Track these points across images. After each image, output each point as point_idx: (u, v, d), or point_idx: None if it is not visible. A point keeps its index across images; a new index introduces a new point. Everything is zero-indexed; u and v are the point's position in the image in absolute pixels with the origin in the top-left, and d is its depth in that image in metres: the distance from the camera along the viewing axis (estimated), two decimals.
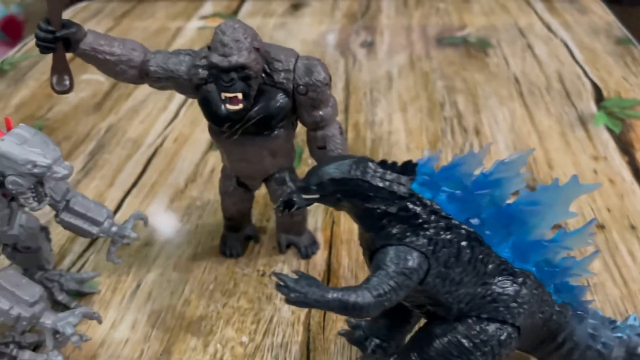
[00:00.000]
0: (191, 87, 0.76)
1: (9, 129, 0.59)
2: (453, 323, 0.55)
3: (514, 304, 0.54)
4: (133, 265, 0.92)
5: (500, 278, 0.54)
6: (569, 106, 1.28)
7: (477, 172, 0.50)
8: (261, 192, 0.90)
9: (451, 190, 0.50)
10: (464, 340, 0.55)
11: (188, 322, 0.81)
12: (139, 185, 1.09)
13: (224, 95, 0.70)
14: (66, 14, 1.93)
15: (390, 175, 0.50)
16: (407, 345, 0.59)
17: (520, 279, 0.55)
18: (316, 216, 0.99)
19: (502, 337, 0.55)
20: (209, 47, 0.71)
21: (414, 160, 0.51)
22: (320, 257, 0.91)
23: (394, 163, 0.52)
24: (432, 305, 0.55)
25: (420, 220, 0.50)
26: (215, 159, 1.15)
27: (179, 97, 1.38)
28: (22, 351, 0.74)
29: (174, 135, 1.24)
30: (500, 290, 0.54)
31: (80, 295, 0.86)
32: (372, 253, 0.52)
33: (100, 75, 1.51)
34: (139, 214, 0.76)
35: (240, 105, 0.71)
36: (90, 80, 1.49)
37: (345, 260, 0.90)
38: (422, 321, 0.66)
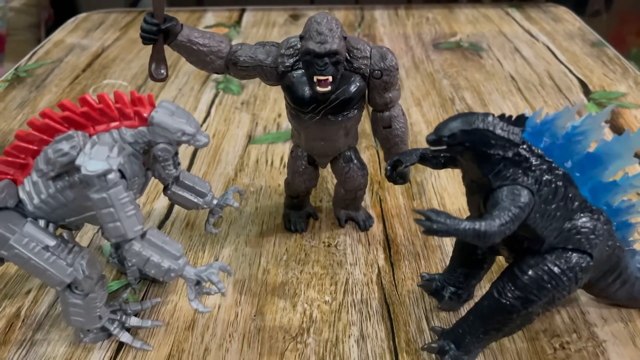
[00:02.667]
0: (276, 74, 0.85)
1: (152, 104, 0.67)
2: (544, 254, 0.67)
3: (592, 236, 0.67)
4: (206, 243, 0.99)
5: (581, 214, 0.66)
6: (563, 98, 1.44)
7: (569, 124, 0.63)
8: None
9: (551, 139, 0.62)
10: (554, 268, 0.67)
11: (272, 287, 0.90)
12: None
13: (316, 78, 0.80)
14: (69, 25, 1.98)
15: (506, 127, 0.62)
16: (501, 277, 0.70)
17: (596, 216, 0.67)
18: (364, 196, 1.09)
19: (584, 264, 0.67)
20: (301, 37, 0.81)
21: (525, 113, 0.63)
22: (376, 229, 1.01)
23: (510, 116, 0.63)
24: (529, 240, 0.66)
25: (529, 164, 0.62)
26: (257, 151, 1.24)
27: (206, 97, 1.46)
28: (129, 317, 0.81)
29: (210, 132, 1.32)
30: (581, 224, 0.66)
31: None
32: (488, 194, 0.63)
33: (122, 80, 1.58)
34: (236, 187, 0.84)
35: (329, 87, 0.81)
36: (113, 84, 1.55)
37: (400, 230, 1.01)
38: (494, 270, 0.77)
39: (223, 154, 1.24)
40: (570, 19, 1.98)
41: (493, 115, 0.62)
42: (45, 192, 0.68)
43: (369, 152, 1.23)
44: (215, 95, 1.48)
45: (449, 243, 0.97)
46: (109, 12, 2.08)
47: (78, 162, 0.61)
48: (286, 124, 1.34)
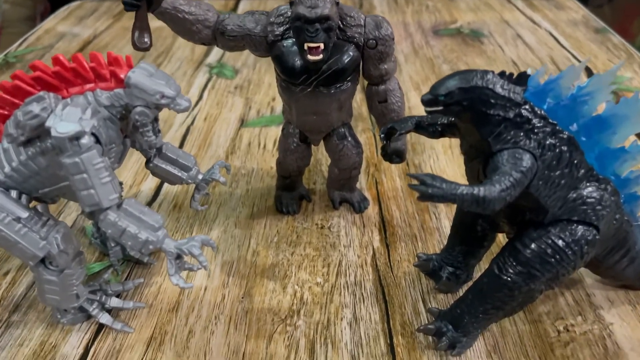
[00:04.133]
0: (266, 44, 0.81)
1: (130, 65, 0.63)
2: (547, 227, 0.63)
3: (599, 207, 0.62)
4: (194, 225, 0.95)
5: (587, 183, 0.62)
6: None
7: (574, 84, 0.58)
8: None
9: (555, 100, 0.58)
10: (558, 241, 0.62)
11: (261, 269, 0.86)
12: None
13: (307, 45, 0.76)
14: (61, 13, 1.94)
15: (507, 85, 0.58)
16: (502, 252, 0.66)
17: (603, 185, 0.63)
18: (359, 178, 1.05)
19: (589, 237, 0.63)
20: (291, 3, 0.77)
21: (527, 72, 0.59)
22: (372, 211, 0.97)
23: (511, 74, 0.59)
24: (531, 211, 0.62)
25: (531, 125, 0.57)
26: (250, 134, 1.20)
27: (199, 81, 1.42)
28: (110, 298, 0.77)
29: (202, 115, 1.28)
30: (587, 194, 0.62)
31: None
32: (487, 159, 0.58)
33: None
34: (223, 162, 0.80)
35: (321, 56, 0.77)
36: None
37: (396, 212, 0.97)
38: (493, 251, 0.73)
39: (214, 137, 1.20)
40: (573, 7, 1.93)
41: (493, 72, 0.58)
42: (17, 160, 0.63)
43: (366, 135, 1.19)
44: (208, 80, 1.44)
45: (447, 225, 0.93)
46: (102, 0, 2.04)
47: (48, 123, 0.57)
48: (280, 108, 1.30)
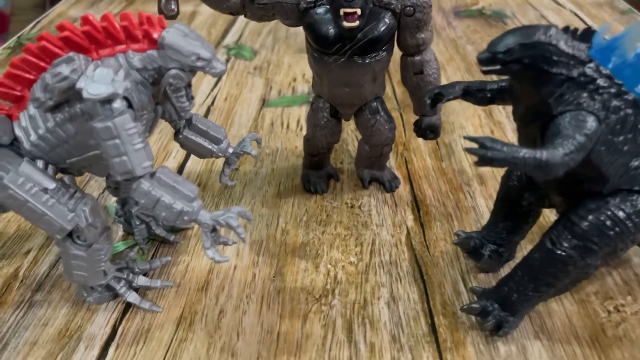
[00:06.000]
0: (297, 12, 0.78)
1: (162, 26, 0.60)
2: (606, 197, 0.59)
3: None
4: (219, 204, 0.92)
5: None
6: None
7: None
8: None
9: (620, 59, 0.54)
10: (618, 212, 0.58)
11: (292, 248, 0.82)
12: None
13: (342, 11, 0.72)
14: None
15: (572, 42, 0.54)
16: (554, 226, 0.62)
17: None
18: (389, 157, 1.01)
19: None
20: None
21: (592, 28, 0.55)
22: (403, 190, 0.94)
23: (575, 29, 0.55)
24: (589, 181, 0.58)
25: (595, 86, 0.53)
26: (272, 114, 1.16)
27: None
28: (137, 276, 0.74)
29: (222, 95, 1.24)
30: None
31: (175, 230, 0.85)
32: (547, 122, 0.55)
33: None
34: (254, 135, 0.77)
35: (357, 22, 0.73)
36: None
37: (429, 192, 0.93)
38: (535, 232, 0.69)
39: (236, 116, 1.16)
40: None
41: (556, 27, 0.54)
42: (44, 127, 0.60)
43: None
44: (227, 61, 1.40)
45: (483, 204, 0.90)
46: None
47: (79, 85, 0.54)
48: (302, 88, 1.26)
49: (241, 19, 1.67)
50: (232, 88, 1.27)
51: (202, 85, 1.28)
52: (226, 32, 1.57)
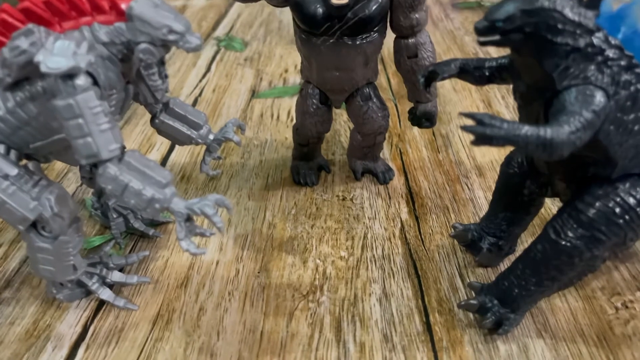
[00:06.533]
0: None
1: None
2: (614, 183, 0.54)
3: None
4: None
5: None
6: None
7: None
8: None
9: (630, 29, 0.49)
10: (628, 198, 0.54)
11: (278, 242, 0.77)
12: None
13: None
14: None
15: (578, 8, 0.49)
16: (558, 215, 0.57)
17: None
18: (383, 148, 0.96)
19: None
20: None
21: None
22: (397, 182, 0.89)
23: None
24: (596, 165, 0.53)
25: (604, 57, 0.49)
26: (262, 105, 1.11)
27: (207, 54, 1.34)
28: (111, 272, 0.69)
29: (210, 87, 1.20)
30: None
31: (154, 224, 0.81)
32: (551, 98, 0.50)
33: None
34: (237, 120, 0.72)
35: (346, 0, 0.69)
36: None
37: (424, 183, 0.88)
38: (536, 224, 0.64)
39: (224, 108, 1.12)
40: None
41: None
42: (4, 107, 0.55)
43: None
44: (216, 52, 1.35)
45: (481, 195, 0.85)
46: None
47: (37, 58, 0.49)
48: (293, 79, 1.21)
49: (232, 11, 1.64)
50: (221, 79, 1.23)
51: (189, 77, 1.24)
52: (217, 24, 1.52)
